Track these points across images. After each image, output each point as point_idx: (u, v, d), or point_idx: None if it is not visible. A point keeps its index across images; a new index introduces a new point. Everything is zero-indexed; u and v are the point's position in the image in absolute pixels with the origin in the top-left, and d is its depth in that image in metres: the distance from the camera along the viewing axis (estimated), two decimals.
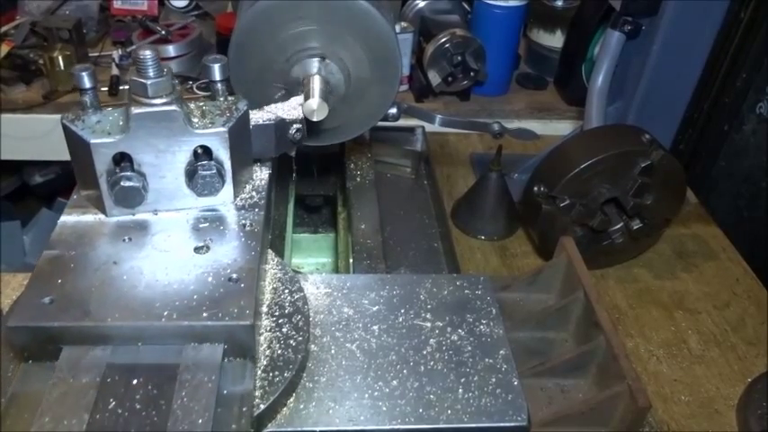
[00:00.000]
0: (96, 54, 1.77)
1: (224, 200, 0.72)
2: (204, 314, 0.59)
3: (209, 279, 0.63)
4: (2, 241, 1.92)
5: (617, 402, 0.72)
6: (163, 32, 1.75)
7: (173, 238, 0.67)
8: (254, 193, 0.74)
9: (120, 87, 1.63)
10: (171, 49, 1.72)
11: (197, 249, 0.66)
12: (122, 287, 0.61)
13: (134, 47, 1.71)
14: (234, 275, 0.63)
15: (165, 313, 0.59)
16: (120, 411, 0.55)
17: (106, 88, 1.62)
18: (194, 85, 1.68)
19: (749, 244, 1.35)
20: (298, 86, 0.85)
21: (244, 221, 0.70)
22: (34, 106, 1.59)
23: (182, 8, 1.98)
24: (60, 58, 1.59)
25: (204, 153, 0.69)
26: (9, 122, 1.56)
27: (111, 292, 0.60)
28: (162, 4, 1.97)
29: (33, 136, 1.57)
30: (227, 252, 0.66)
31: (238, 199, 0.73)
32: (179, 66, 1.73)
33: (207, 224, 0.70)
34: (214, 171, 0.69)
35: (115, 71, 1.67)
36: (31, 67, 1.68)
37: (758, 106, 1.50)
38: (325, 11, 0.84)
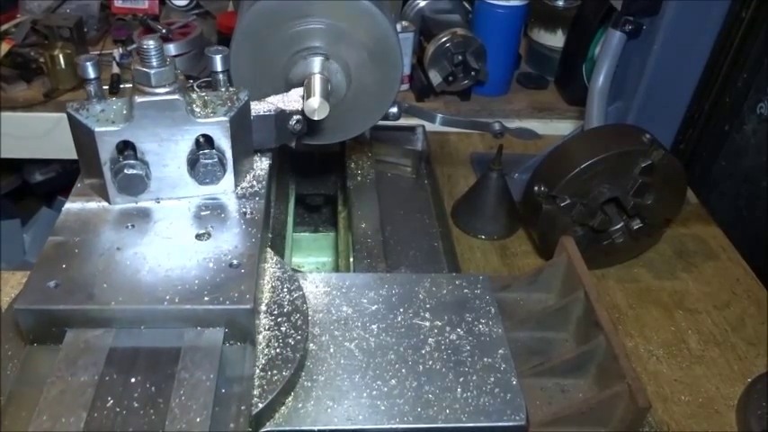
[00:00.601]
0: (97, 53, 1.77)
1: (225, 188, 0.73)
2: (205, 298, 0.60)
3: (211, 265, 0.64)
4: (2, 239, 1.92)
5: (617, 402, 0.72)
6: (164, 31, 1.75)
7: (175, 226, 0.69)
8: (254, 182, 0.76)
9: (121, 86, 1.63)
10: (172, 48, 1.72)
11: (198, 236, 0.68)
12: (126, 272, 0.62)
13: (135, 45, 1.71)
14: (234, 261, 0.64)
15: (168, 297, 0.60)
16: (117, 410, 0.54)
17: (107, 87, 1.62)
18: (195, 84, 1.68)
19: (749, 244, 1.35)
20: (299, 86, 0.85)
21: (244, 209, 0.72)
22: (35, 105, 1.59)
23: (182, 7, 1.98)
24: (61, 56, 1.59)
25: (206, 142, 0.70)
26: (9, 121, 1.56)
27: (115, 276, 0.62)
28: (163, 3, 1.97)
29: (34, 134, 1.57)
30: (228, 239, 0.67)
31: (239, 188, 0.74)
32: (180, 64, 1.73)
33: (208, 212, 0.71)
34: (216, 160, 0.70)
35: (116, 70, 1.67)
36: (32, 66, 1.68)
37: (759, 106, 1.49)
38: (327, 10, 0.84)
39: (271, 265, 0.73)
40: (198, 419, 0.53)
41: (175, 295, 0.60)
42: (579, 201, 1.08)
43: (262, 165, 0.79)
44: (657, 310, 1.13)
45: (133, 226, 0.68)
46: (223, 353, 0.60)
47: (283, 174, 1.12)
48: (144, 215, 0.70)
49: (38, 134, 1.56)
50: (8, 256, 1.93)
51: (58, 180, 2.16)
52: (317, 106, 0.79)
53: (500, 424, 0.63)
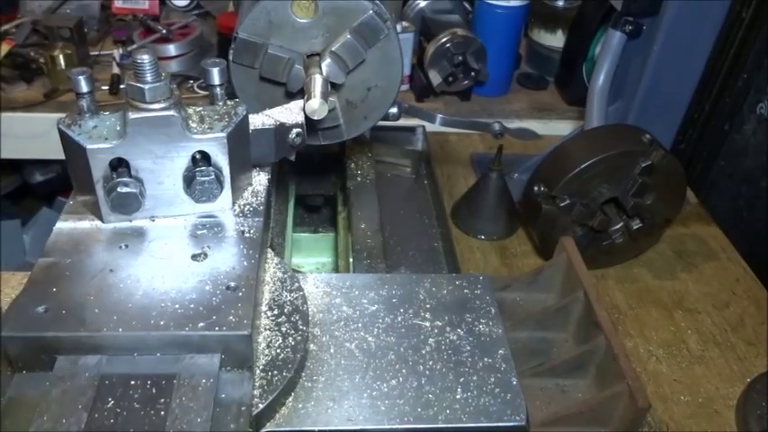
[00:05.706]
0: (97, 53, 1.77)
1: (222, 206, 0.71)
2: (201, 324, 0.58)
3: (207, 287, 0.62)
4: (2, 240, 1.92)
5: (616, 402, 0.72)
6: (164, 31, 1.75)
7: (170, 245, 0.67)
8: (252, 199, 0.74)
9: (121, 86, 1.63)
10: (172, 49, 1.73)
11: (195, 257, 0.66)
12: (118, 295, 0.61)
13: (135, 46, 1.71)
14: (232, 283, 0.63)
15: (162, 323, 0.58)
16: (118, 410, 0.55)
17: (107, 87, 1.62)
18: (195, 85, 1.69)
19: (749, 244, 1.35)
20: (299, 86, 0.85)
21: (242, 228, 0.70)
22: (35, 105, 1.59)
23: (183, 7, 1.98)
24: (61, 56, 1.59)
25: (203, 159, 0.68)
26: (10, 121, 1.57)
27: (107, 300, 0.60)
28: (163, 4, 1.97)
29: (34, 135, 1.57)
30: (226, 259, 0.66)
31: (237, 205, 0.72)
32: (180, 65, 1.73)
33: (205, 231, 0.69)
34: (212, 177, 0.68)
35: (116, 70, 1.68)
36: (32, 66, 1.69)
37: (759, 106, 1.49)
38: (327, 10, 0.84)
39: (271, 266, 0.73)
40: (198, 420, 0.53)
41: (170, 320, 0.58)
42: (579, 201, 1.08)
43: (260, 180, 0.77)
44: (657, 310, 1.13)
45: (127, 246, 0.66)
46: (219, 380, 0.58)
47: (283, 174, 1.12)
48: (138, 234, 0.68)
49: (38, 134, 1.56)
50: (8, 256, 1.93)
51: (58, 180, 2.16)
52: (317, 106, 0.79)
53: (500, 424, 0.63)
